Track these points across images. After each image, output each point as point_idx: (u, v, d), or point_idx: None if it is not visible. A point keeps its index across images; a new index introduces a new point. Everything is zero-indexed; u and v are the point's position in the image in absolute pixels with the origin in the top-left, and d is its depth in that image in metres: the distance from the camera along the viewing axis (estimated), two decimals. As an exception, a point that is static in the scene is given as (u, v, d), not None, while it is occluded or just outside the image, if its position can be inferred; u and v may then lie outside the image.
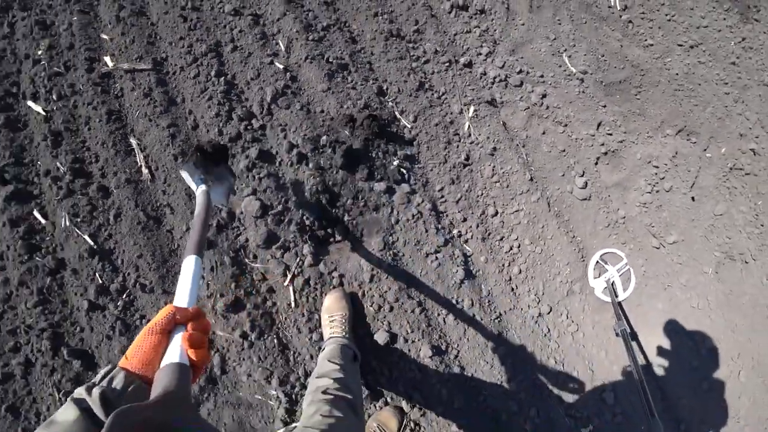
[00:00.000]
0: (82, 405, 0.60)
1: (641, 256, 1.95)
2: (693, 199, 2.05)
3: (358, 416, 1.22)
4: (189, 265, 0.80)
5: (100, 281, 1.68)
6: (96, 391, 0.59)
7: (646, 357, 1.92)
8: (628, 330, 1.76)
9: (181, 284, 0.76)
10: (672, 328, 1.93)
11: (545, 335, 1.84)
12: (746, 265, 1.96)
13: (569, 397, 1.80)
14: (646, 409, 0.95)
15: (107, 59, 2.07)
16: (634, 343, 1.88)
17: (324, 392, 1.22)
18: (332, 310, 1.64)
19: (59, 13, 2.15)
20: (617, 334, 1.78)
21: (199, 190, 1.05)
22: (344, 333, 1.58)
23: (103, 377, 0.62)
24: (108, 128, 1.91)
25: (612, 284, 1.92)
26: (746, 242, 1.97)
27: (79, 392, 0.61)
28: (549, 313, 1.88)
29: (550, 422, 1.72)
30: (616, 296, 1.89)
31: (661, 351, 1.91)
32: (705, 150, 2.10)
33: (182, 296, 0.73)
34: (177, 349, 0.61)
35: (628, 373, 1.85)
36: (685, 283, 1.94)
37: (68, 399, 0.62)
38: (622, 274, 1.94)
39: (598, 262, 1.97)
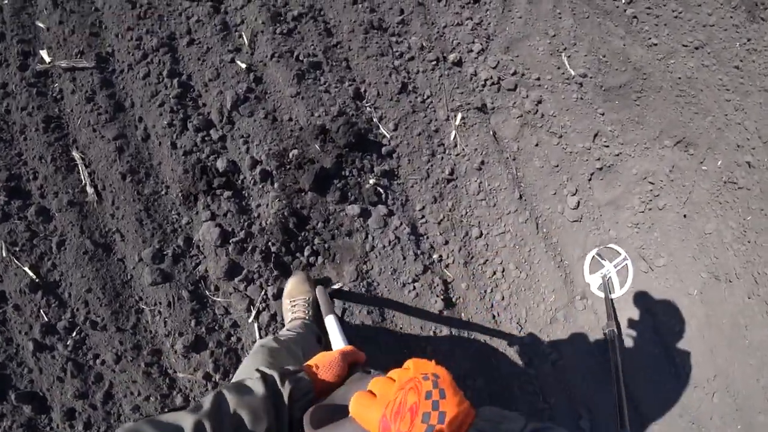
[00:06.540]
0: (271, 386, 0.69)
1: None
2: (685, 216, 1.94)
3: None
4: (330, 321, 1.16)
5: (46, 319, 1.54)
6: (288, 385, 0.69)
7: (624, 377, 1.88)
8: (616, 332, 1.70)
9: (334, 335, 1.09)
10: (654, 354, 1.89)
11: (526, 364, 1.77)
12: (730, 284, 1.92)
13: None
14: (617, 419, 0.87)
15: (44, 53, 1.80)
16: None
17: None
18: (294, 294, 1.52)
19: (-18, -5, 1.84)
20: (604, 335, 1.73)
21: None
22: (307, 316, 1.46)
23: (292, 373, 0.72)
24: (46, 139, 1.69)
25: (608, 280, 1.85)
26: (732, 260, 1.92)
27: (273, 374, 0.71)
28: (530, 342, 1.79)
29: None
30: (611, 293, 1.83)
31: (640, 374, 1.87)
32: (701, 163, 1.97)
33: (339, 342, 1.05)
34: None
35: (608, 395, 1.81)
36: (669, 308, 1.88)
37: (257, 374, 0.71)
38: (619, 270, 1.87)
39: (594, 257, 1.89)
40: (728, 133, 1.93)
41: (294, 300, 1.50)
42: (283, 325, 1.57)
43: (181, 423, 0.61)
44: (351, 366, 0.76)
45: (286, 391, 0.68)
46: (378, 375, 0.66)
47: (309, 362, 0.76)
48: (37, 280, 1.55)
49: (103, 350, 1.55)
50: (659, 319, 1.90)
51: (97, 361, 1.55)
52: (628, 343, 1.88)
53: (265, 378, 0.70)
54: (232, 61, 1.85)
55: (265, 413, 0.65)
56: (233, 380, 0.84)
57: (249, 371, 1.00)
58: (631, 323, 1.91)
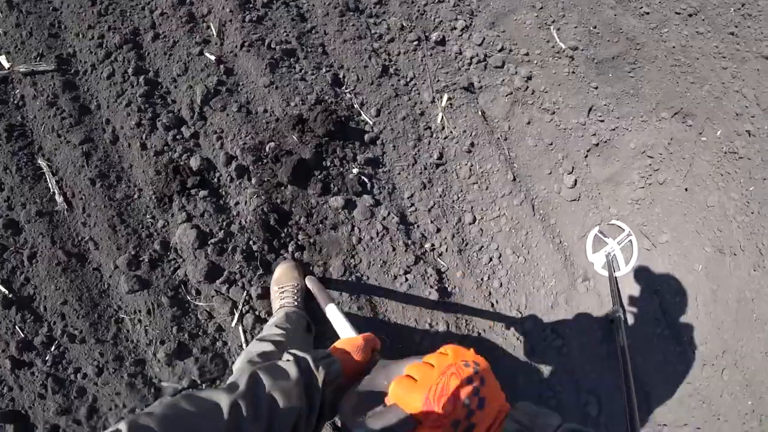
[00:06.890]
0: (305, 370, 0.69)
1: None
2: (686, 189, 1.85)
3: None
4: (332, 310, 1.06)
5: (22, 335, 1.47)
6: (322, 370, 0.69)
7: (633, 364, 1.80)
8: (622, 316, 1.63)
9: (341, 324, 1.00)
10: (661, 333, 1.81)
11: (529, 351, 1.69)
12: (735, 257, 1.85)
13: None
14: (627, 410, 0.82)
15: (2, 58, 1.71)
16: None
17: (259, 355, 1.12)
18: (282, 281, 1.47)
19: (-67, 0, 1.75)
20: (611, 321, 1.66)
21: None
22: (296, 303, 1.42)
23: (324, 357, 0.72)
24: (10, 148, 1.60)
25: (612, 259, 1.76)
26: (736, 232, 1.85)
27: (306, 357, 0.71)
28: (532, 329, 1.71)
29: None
30: (616, 272, 1.75)
31: (647, 355, 1.80)
32: (700, 133, 1.88)
33: (348, 329, 0.96)
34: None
35: (614, 379, 1.74)
36: (674, 286, 1.80)
37: (290, 356, 0.72)
38: (623, 247, 1.79)
39: (596, 235, 1.81)
40: (726, 102, 1.84)
41: (283, 287, 1.45)
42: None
43: (218, 401, 0.62)
44: (372, 352, 0.79)
45: (320, 375, 0.69)
46: (406, 361, 0.65)
47: (336, 345, 0.78)
48: (10, 296, 1.48)
49: (83, 363, 1.49)
50: (664, 297, 1.82)
51: (79, 375, 1.48)
52: (634, 323, 1.80)
53: (299, 361, 0.71)
54: (201, 53, 1.75)
55: (299, 398, 0.66)
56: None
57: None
58: (636, 303, 1.83)
